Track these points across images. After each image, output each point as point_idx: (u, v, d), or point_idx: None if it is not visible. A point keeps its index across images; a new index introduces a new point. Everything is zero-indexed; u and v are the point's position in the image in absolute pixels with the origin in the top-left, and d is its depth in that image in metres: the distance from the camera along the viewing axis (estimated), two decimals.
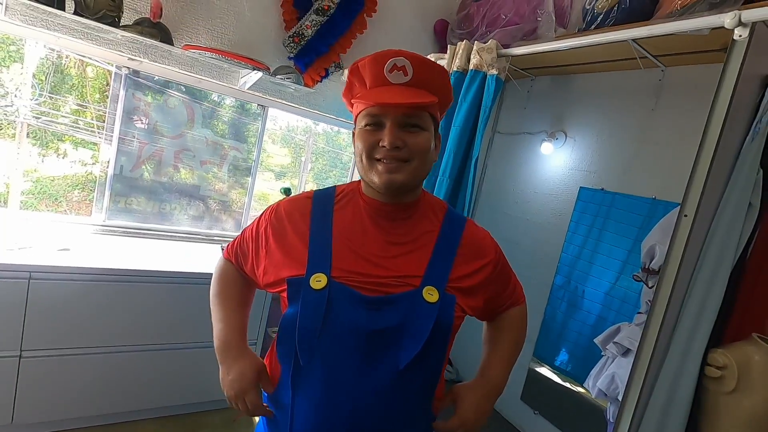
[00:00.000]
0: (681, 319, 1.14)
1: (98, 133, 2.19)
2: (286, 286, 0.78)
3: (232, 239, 2.74)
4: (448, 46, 2.19)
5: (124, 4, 1.92)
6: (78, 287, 1.72)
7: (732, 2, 1.33)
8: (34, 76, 2.02)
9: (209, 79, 2.26)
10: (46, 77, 2.05)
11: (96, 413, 1.87)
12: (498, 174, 2.87)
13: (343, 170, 3.08)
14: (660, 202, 1.96)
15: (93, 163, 2.26)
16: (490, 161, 2.92)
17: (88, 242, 2.04)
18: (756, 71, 1.11)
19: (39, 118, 2.06)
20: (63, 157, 2.20)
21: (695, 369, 1.14)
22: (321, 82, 2.54)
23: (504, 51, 1.99)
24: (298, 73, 2.37)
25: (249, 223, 2.69)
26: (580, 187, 2.33)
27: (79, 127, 2.17)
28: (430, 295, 0.77)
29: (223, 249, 2.33)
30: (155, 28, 1.95)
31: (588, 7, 1.90)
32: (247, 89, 2.32)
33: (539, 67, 2.51)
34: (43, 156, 2.15)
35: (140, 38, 1.89)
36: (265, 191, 2.86)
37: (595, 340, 1.86)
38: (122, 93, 2.17)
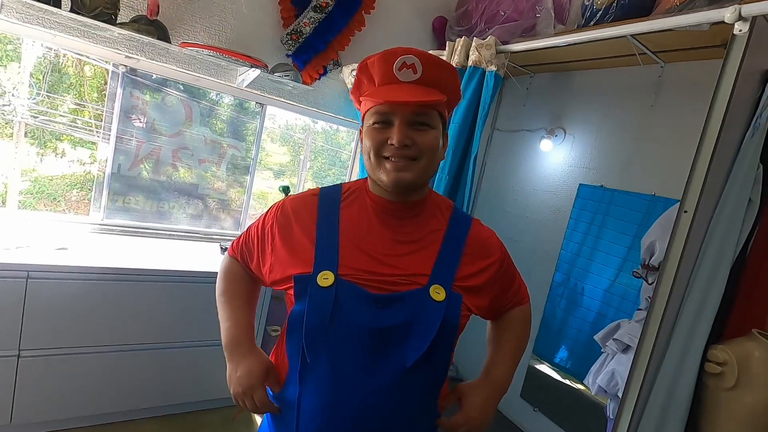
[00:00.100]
0: (681, 316, 1.13)
1: (96, 132, 2.19)
2: (292, 284, 0.78)
3: (231, 238, 2.73)
4: (447, 42, 2.18)
5: (121, 2, 1.91)
6: (76, 286, 1.71)
7: None
8: (31, 75, 2.01)
9: (207, 77, 2.25)
10: (43, 76, 2.04)
11: (95, 412, 1.87)
12: (497, 171, 2.86)
13: (342, 168, 3.07)
14: (659, 199, 1.95)
15: (91, 163, 2.25)
16: (489, 158, 2.92)
17: (86, 241, 2.03)
18: (756, 66, 1.11)
19: (37, 117, 2.05)
20: (61, 157, 2.19)
21: (695, 365, 1.14)
22: (319, 79, 2.53)
23: (503, 47, 1.98)
24: (297, 71, 2.36)
25: (248, 221, 2.69)
26: (580, 184, 2.32)
27: (77, 127, 2.16)
28: (437, 293, 0.77)
29: (222, 247, 2.35)
30: (152, 26, 1.94)
31: (587, 4, 1.90)
32: (245, 87, 2.31)
33: (538, 64, 2.50)
34: (42, 155, 2.14)
35: (137, 36, 1.88)
36: (264, 190, 2.85)
37: (595, 337, 1.86)
38: (119, 91, 2.16)
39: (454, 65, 2.15)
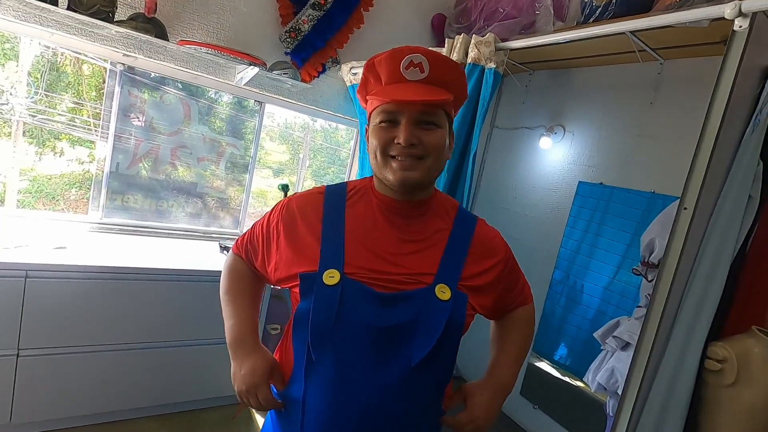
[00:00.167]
0: (680, 313, 1.13)
1: (95, 130, 2.18)
2: (297, 282, 0.78)
3: (230, 236, 2.73)
4: (446, 39, 2.17)
5: (118, 0, 1.90)
6: (75, 286, 1.71)
7: None
8: (29, 74, 2.00)
9: (205, 75, 2.25)
10: (41, 75, 2.03)
11: (95, 411, 1.86)
12: (496, 169, 2.86)
13: (341, 167, 3.07)
14: (659, 196, 1.95)
15: (90, 161, 2.24)
16: (489, 156, 2.91)
17: (85, 240, 2.03)
18: (756, 63, 1.10)
19: (35, 116, 2.04)
20: (60, 156, 2.19)
21: (695, 362, 1.14)
22: (318, 77, 2.52)
23: (502, 44, 1.97)
24: (295, 69, 2.35)
25: (247, 220, 2.68)
26: (579, 181, 2.32)
27: (75, 125, 2.16)
28: (443, 293, 0.77)
29: (221, 246, 2.34)
30: (150, 24, 1.93)
31: (586, 1, 1.89)
32: (244, 85, 2.31)
33: (537, 61, 2.49)
34: (40, 154, 2.14)
35: (135, 34, 1.87)
36: (263, 188, 2.85)
37: (595, 335, 1.86)
38: (117, 90, 2.15)
39: None
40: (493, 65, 1.95)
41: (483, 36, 1.98)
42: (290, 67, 2.33)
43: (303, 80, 2.42)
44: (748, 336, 1.14)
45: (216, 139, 2.50)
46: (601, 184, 2.22)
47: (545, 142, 2.49)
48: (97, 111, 2.17)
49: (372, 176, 0.88)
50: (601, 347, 1.86)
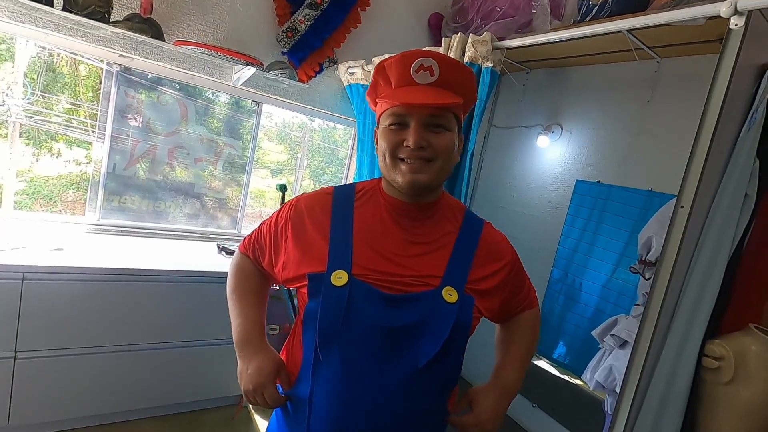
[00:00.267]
0: (678, 311, 1.13)
1: (91, 131, 2.17)
2: (305, 282, 0.79)
3: (228, 237, 2.72)
4: (443, 39, 2.17)
5: (114, 0, 1.90)
6: (72, 287, 1.71)
7: None
8: (25, 75, 1.99)
9: (202, 76, 2.24)
10: (38, 76, 2.03)
11: (93, 413, 1.86)
12: (494, 168, 2.86)
13: (340, 166, 3.07)
14: (656, 194, 1.95)
15: (87, 163, 2.24)
16: (486, 155, 2.91)
17: (82, 242, 2.03)
18: (752, 61, 1.10)
19: (31, 117, 2.04)
20: (57, 157, 2.18)
21: (692, 360, 1.14)
22: (315, 77, 2.52)
23: (499, 43, 1.97)
24: (292, 69, 2.35)
25: (245, 220, 2.68)
26: (577, 180, 2.33)
27: (72, 126, 2.15)
28: (450, 295, 0.78)
29: (219, 247, 2.34)
30: (146, 24, 1.92)
31: None
32: (241, 85, 2.30)
33: (535, 60, 2.49)
34: (37, 156, 2.13)
35: (131, 34, 1.87)
36: (261, 188, 2.85)
37: (593, 333, 1.86)
38: (114, 91, 2.15)
39: None
40: (490, 64, 1.95)
41: (480, 35, 1.98)
42: (287, 67, 2.32)
43: (300, 80, 2.41)
44: (745, 334, 1.14)
45: (213, 139, 2.50)
46: (598, 182, 2.22)
47: (543, 141, 2.49)
48: (94, 112, 2.16)
49: (380, 178, 0.88)
50: (599, 345, 1.86)
